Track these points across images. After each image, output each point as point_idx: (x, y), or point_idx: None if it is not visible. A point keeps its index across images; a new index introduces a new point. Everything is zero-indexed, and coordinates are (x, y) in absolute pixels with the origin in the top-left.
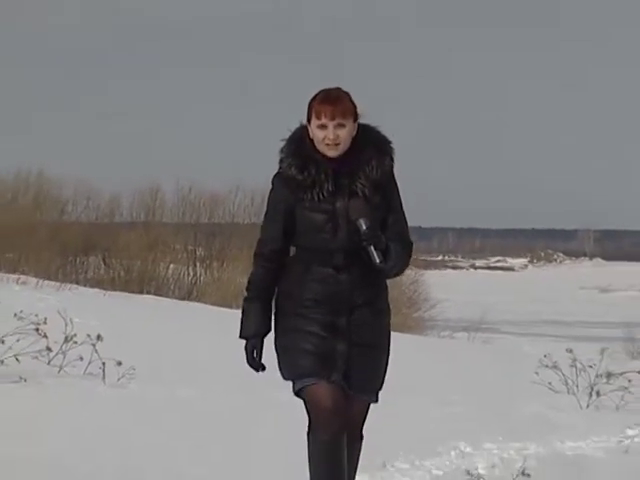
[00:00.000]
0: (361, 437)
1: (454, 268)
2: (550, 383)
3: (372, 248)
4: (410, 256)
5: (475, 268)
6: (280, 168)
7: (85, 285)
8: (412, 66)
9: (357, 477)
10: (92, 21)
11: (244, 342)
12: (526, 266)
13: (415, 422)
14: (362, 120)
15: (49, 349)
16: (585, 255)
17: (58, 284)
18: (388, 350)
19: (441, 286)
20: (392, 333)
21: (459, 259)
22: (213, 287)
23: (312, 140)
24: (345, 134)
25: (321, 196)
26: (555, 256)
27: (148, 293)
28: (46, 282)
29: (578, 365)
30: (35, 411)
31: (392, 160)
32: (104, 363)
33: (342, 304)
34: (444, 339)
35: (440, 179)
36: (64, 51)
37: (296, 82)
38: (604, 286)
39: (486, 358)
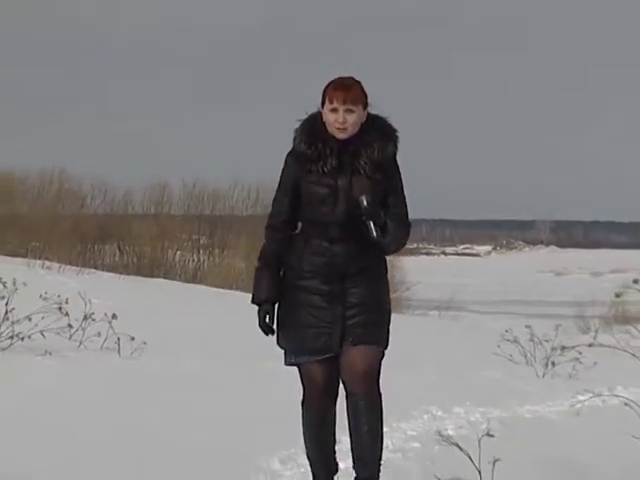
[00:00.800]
0: (379, 394)
1: (427, 254)
2: (511, 355)
3: (371, 223)
4: (408, 235)
5: (446, 254)
6: (293, 145)
7: (102, 270)
8: (412, 66)
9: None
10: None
11: (256, 308)
12: (490, 253)
13: (392, 390)
14: (373, 110)
15: (70, 326)
16: (542, 243)
17: (78, 269)
18: (388, 310)
19: (416, 270)
20: None
21: (432, 247)
22: (215, 271)
23: (324, 123)
24: (354, 119)
25: (325, 169)
26: (516, 244)
27: (158, 277)
28: (68, 267)
29: (535, 339)
30: (58, 380)
31: (396, 147)
32: (119, 338)
33: (336, 273)
34: (418, 317)
35: (417, 177)
36: (64, 51)
37: (296, 83)
38: (558, 270)
39: (455, 333)
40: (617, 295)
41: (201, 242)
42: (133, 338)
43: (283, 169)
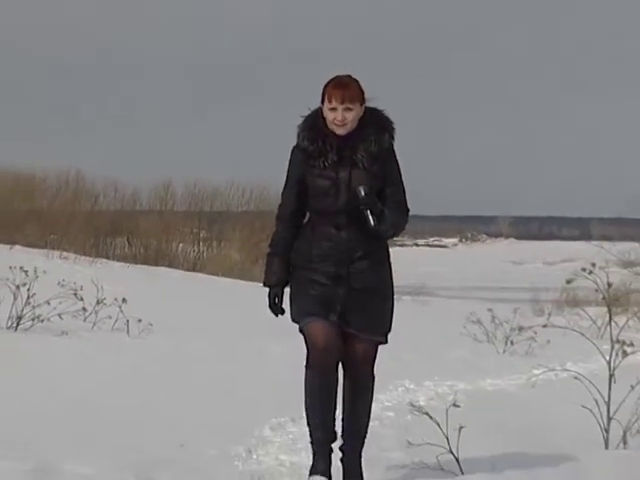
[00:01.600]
0: (372, 377)
1: (401, 246)
2: (475, 335)
3: (368, 212)
4: (406, 221)
5: (417, 246)
6: (297, 141)
7: (113, 260)
8: (412, 66)
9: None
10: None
11: (267, 290)
12: (457, 244)
13: None
14: (370, 104)
15: (85, 309)
16: (502, 236)
17: (91, 259)
18: (392, 298)
19: (391, 260)
20: None
21: (405, 239)
22: (213, 261)
23: (324, 119)
24: (352, 116)
25: (326, 164)
26: (479, 237)
27: (162, 266)
28: (82, 257)
29: (496, 321)
30: (74, 357)
31: (392, 137)
32: (128, 320)
33: (343, 256)
34: None
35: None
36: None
37: (296, 84)
38: (517, 260)
39: (426, 316)
40: (568, 282)
41: (201, 235)
42: (140, 320)
43: (289, 164)
